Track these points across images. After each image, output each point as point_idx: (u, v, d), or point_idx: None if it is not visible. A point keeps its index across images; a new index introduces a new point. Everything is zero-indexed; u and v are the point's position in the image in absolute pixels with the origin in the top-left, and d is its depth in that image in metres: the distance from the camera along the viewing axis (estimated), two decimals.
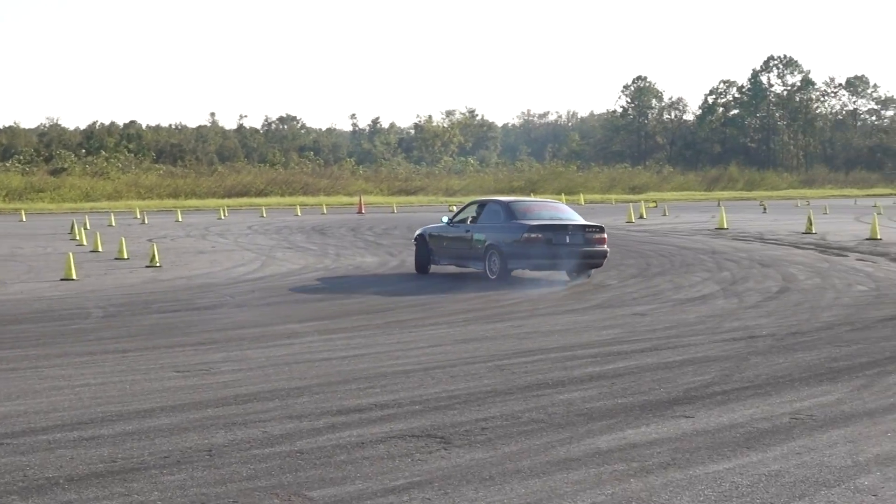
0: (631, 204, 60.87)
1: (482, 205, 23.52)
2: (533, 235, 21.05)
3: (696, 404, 9.66)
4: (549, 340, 13.73)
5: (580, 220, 22.42)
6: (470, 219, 23.18)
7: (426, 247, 23.86)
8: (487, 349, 13.01)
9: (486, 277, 21.76)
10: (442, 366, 11.74)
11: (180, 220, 50.63)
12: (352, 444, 8.13)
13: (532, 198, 42.17)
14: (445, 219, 24.14)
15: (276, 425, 8.75)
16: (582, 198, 76.34)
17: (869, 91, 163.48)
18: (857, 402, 9.74)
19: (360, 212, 60.50)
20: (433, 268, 24.03)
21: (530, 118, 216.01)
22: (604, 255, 21.86)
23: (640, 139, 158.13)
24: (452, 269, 24.05)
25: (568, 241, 21.21)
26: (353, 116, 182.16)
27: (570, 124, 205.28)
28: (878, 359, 12.11)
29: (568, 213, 23.15)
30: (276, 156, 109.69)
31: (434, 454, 7.84)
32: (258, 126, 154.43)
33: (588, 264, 21.83)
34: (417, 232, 24.88)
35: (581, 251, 21.22)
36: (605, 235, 22.08)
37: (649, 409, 9.46)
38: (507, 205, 22.85)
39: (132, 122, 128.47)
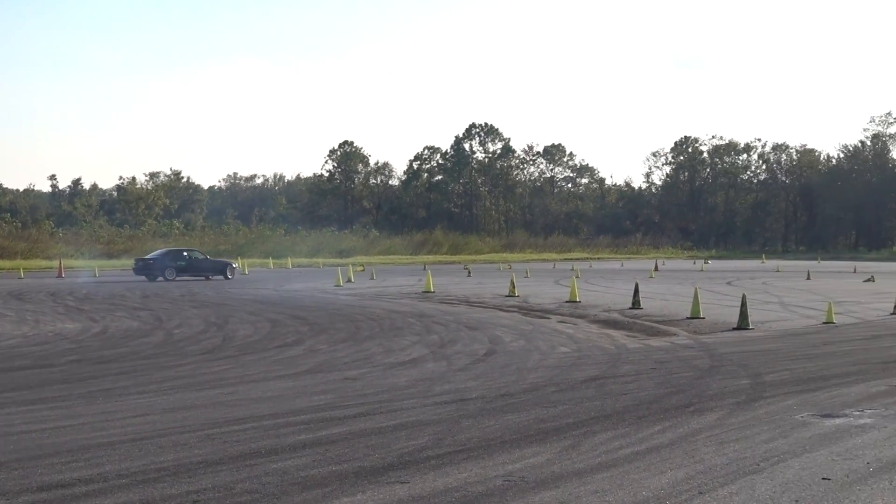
0: (339, 267, 61.11)
1: None
2: None
3: (410, 469, 9.61)
4: (260, 407, 13.44)
5: None
6: None
7: None
8: (197, 418, 12.60)
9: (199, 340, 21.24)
10: (150, 436, 11.28)
11: None
12: None
13: None
14: None
15: None
16: (290, 261, 76.10)
17: (565, 159, 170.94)
18: (567, 463, 9.92)
19: (59, 276, 58.25)
20: (140, 337, 23.45)
21: (237, 181, 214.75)
22: None
23: (346, 203, 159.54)
24: (158, 338, 23.49)
25: None
26: (52, 177, 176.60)
27: (276, 188, 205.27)
28: (584, 419, 12.42)
29: None
30: None
31: None
32: None
33: None
34: None
35: None
36: None
37: (364, 475, 9.34)
38: None
39: None
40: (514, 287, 39.25)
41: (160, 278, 53.88)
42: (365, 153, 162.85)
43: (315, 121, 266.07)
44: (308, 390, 15.19)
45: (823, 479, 9.27)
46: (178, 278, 54.91)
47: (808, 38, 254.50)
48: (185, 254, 57.35)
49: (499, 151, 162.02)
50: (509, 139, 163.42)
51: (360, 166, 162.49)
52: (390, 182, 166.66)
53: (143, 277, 54.53)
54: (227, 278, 56.22)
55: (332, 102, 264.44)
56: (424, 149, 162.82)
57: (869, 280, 54.83)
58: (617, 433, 11.49)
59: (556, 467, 9.73)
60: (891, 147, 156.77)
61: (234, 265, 59.83)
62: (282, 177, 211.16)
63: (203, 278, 56.16)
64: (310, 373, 17.45)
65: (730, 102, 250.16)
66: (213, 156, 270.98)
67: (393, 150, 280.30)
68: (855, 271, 70.41)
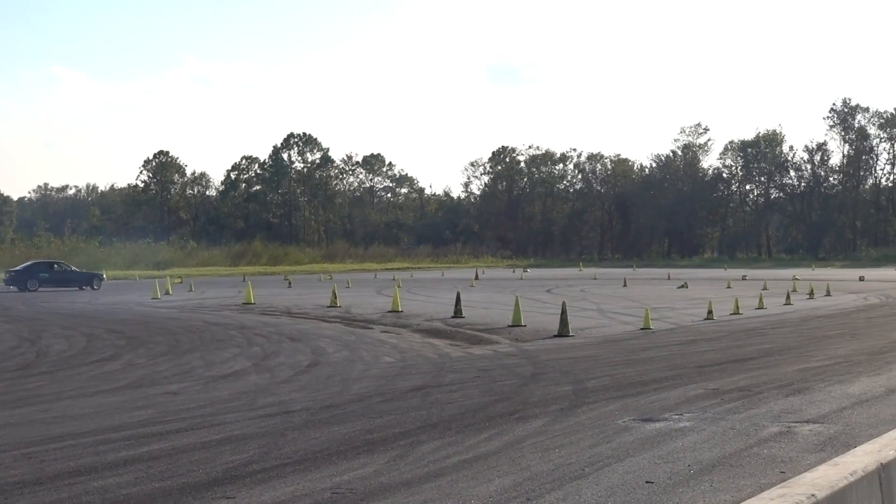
0: (156, 279, 59.94)
1: None
2: None
3: (236, 484, 9.42)
4: (79, 424, 13.01)
5: None
6: None
7: None
8: (12, 436, 12.12)
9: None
10: None
11: None
12: None
13: None
14: None
15: None
16: (105, 273, 74.24)
17: (384, 169, 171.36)
18: (395, 473, 9.87)
19: None
20: None
21: (48, 192, 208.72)
22: None
23: (163, 214, 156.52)
24: None
25: None
26: None
27: (90, 199, 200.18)
28: (410, 429, 12.40)
29: None
30: None
31: None
32: None
33: None
34: None
35: None
36: None
37: (189, 491, 9.11)
38: None
39: None
40: (335, 297, 39.08)
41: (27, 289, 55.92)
42: (181, 163, 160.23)
43: (130, 131, 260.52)
44: (128, 406, 14.77)
45: (647, 482, 9.44)
46: (43, 289, 56.44)
47: (620, 50, 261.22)
48: (55, 266, 60.24)
49: (318, 161, 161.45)
50: (328, 149, 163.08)
51: (176, 176, 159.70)
52: (208, 192, 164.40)
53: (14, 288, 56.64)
54: (94, 289, 57.95)
55: (147, 112, 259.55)
56: (242, 158, 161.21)
57: (682, 286, 56.46)
58: (444, 442, 11.49)
59: (383, 478, 9.67)
60: (701, 157, 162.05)
61: (101, 276, 61.66)
62: (95, 188, 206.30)
63: (76, 288, 57.76)
64: (129, 388, 16.99)
65: (546, 113, 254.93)
66: (23, 167, 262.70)
67: (210, 160, 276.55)
68: (669, 278, 72.42)
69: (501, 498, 8.88)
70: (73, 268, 62.61)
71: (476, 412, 13.64)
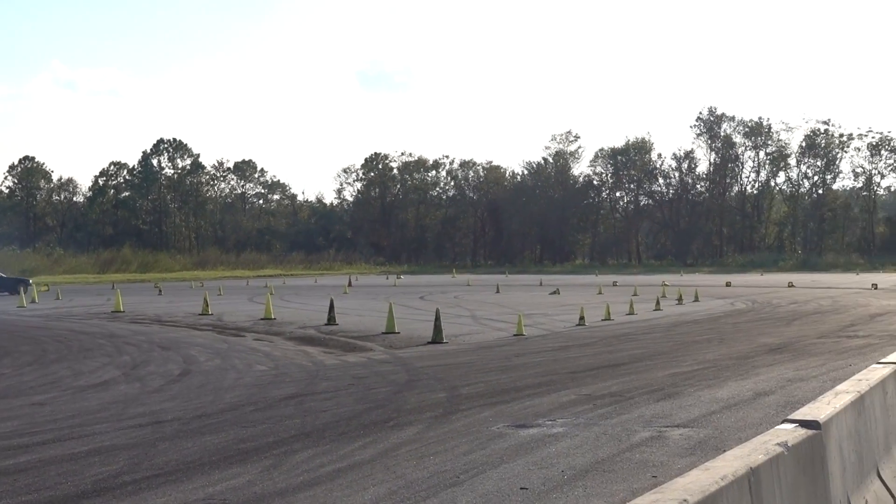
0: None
1: None
2: None
3: (106, 496, 9.23)
4: None
5: None
6: None
7: None
8: None
9: None
10: None
11: None
12: None
13: None
14: None
15: None
16: None
17: (256, 175, 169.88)
18: (269, 483, 9.77)
19: None
20: None
21: None
22: None
23: (28, 221, 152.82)
24: None
25: None
26: None
27: None
28: (284, 437, 12.29)
29: None
30: None
31: None
32: None
33: None
34: None
35: None
36: None
37: None
38: None
39: None
40: (207, 305, 38.61)
41: None
42: (48, 169, 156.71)
43: None
44: None
45: (521, 488, 9.50)
46: None
47: (492, 57, 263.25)
48: None
49: (188, 167, 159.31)
50: (199, 155, 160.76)
51: (42, 182, 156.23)
52: (75, 199, 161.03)
53: None
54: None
55: (11, 118, 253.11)
56: (111, 164, 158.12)
57: (555, 293, 57.09)
58: (318, 451, 11.42)
59: (257, 488, 9.56)
60: (571, 164, 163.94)
61: (29, 282, 61.17)
62: None
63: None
64: None
65: (418, 120, 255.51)
66: None
67: (78, 166, 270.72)
68: (541, 284, 73.12)
69: None
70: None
71: (350, 420, 13.59)
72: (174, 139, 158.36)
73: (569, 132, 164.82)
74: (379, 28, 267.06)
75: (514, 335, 28.23)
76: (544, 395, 15.88)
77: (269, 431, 12.78)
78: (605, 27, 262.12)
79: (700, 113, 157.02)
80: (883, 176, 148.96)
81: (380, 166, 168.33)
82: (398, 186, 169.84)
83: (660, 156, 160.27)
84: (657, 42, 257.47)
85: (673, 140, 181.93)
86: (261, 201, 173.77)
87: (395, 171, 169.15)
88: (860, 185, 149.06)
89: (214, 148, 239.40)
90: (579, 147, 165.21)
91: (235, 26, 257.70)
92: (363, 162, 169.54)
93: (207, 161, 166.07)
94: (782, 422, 6.78)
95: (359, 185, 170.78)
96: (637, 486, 9.55)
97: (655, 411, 14.10)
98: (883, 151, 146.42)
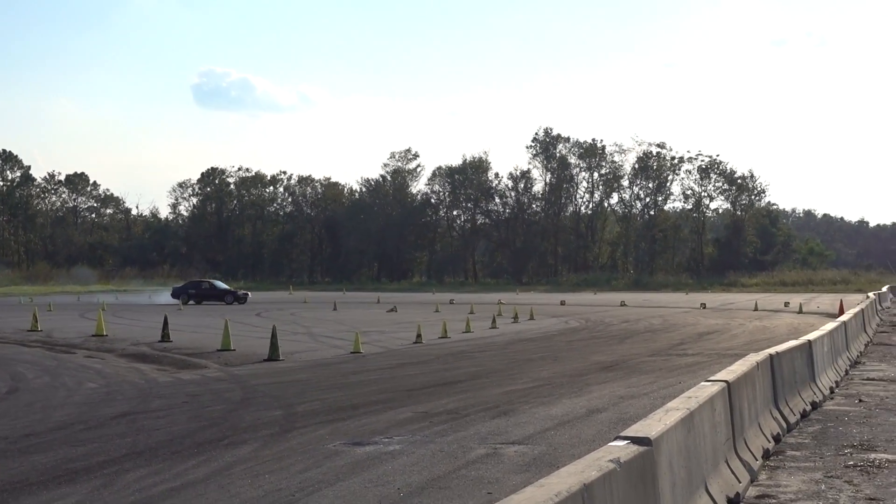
0: None
1: None
2: None
3: None
4: None
5: None
6: None
7: None
8: None
9: None
10: None
11: None
12: None
13: None
14: None
15: None
16: None
17: (89, 189, 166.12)
18: (98, 503, 9.54)
19: None
20: None
21: None
22: None
23: None
24: None
25: None
26: None
27: None
28: (116, 457, 12.03)
29: None
30: None
31: None
32: None
33: None
34: None
35: None
36: None
37: None
38: None
39: None
40: (36, 321, 37.56)
41: None
42: None
43: None
44: None
45: None
46: None
47: (329, 73, 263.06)
48: None
49: (18, 179, 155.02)
50: (29, 167, 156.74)
51: None
52: None
53: None
54: None
55: None
56: None
57: (392, 310, 57.15)
58: (150, 470, 11.21)
59: None
60: (410, 182, 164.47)
61: None
62: None
63: None
64: None
65: (256, 135, 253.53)
66: None
67: None
68: (378, 302, 73.12)
69: None
70: None
71: (184, 438, 13.37)
72: (3, 150, 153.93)
73: (408, 150, 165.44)
74: (214, 42, 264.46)
75: (352, 353, 28.16)
76: (381, 413, 15.88)
77: (100, 450, 12.49)
78: (442, 45, 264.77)
79: (536, 133, 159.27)
80: (712, 198, 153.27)
81: (216, 181, 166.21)
82: (235, 202, 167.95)
83: (497, 175, 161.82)
84: (495, 62, 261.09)
85: (510, 160, 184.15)
86: (93, 215, 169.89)
87: (233, 186, 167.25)
88: (690, 206, 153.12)
89: (46, 160, 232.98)
90: (418, 165, 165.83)
91: (70, 37, 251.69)
92: (199, 177, 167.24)
93: (38, 173, 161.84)
94: (615, 438, 6.92)
95: (195, 199, 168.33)
96: (472, 503, 9.62)
97: (491, 428, 14.22)
98: (712, 174, 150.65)
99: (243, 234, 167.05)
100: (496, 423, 14.70)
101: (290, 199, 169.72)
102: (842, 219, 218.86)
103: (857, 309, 31.00)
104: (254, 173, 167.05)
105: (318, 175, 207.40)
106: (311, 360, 26.22)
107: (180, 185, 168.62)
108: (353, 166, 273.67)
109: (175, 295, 71.74)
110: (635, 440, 6.83)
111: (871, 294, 50.30)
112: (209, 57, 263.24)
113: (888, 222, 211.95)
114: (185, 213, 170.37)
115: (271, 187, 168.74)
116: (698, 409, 8.61)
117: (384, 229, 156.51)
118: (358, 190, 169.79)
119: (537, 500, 5.06)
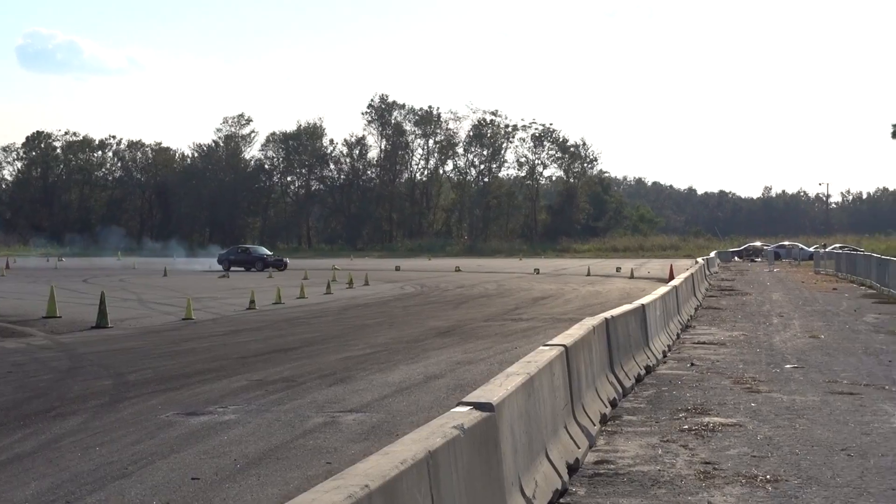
0: None
1: None
2: None
3: None
4: None
5: None
6: None
7: None
8: None
9: None
10: None
11: None
12: None
13: None
14: None
15: None
16: None
17: None
18: None
19: None
20: None
21: None
22: None
23: None
24: None
25: None
26: None
27: None
28: None
29: None
30: None
31: None
32: None
33: None
34: None
35: None
36: None
37: None
38: None
39: None
40: None
41: None
42: None
43: None
44: None
45: (193, 478, 9.24)
46: None
47: (161, 36, 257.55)
48: None
49: None
50: None
51: None
52: None
53: None
54: None
55: None
56: None
57: (224, 276, 56.42)
58: None
59: None
60: (243, 148, 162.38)
61: None
62: None
63: None
64: None
65: (84, 99, 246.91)
66: None
67: None
68: (210, 268, 72.01)
69: (39, 501, 8.41)
70: None
71: (9, 411, 12.88)
72: None
73: (241, 115, 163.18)
74: (39, 2, 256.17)
75: (183, 319, 27.64)
76: (215, 382, 15.57)
77: None
78: (276, 8, 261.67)
79: (372, 100, 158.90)
80: (545, 166, 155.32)
81: (42, 145, 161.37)
82: (62, 167, 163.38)
83: (332, 142, 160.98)
84: (330, 28, 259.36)
85: (345, 126, 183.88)
86: None
87: (59, 150, 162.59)
88: (524, 174, 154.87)
89: None
90: (252, 131, 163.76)
91: None
92: (24, 141, 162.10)
93: None
94: (457, 404, 6.85)
95: (19, 164, 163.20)
96: (312, 472, 9.46)
97: (328, 396, 14.06)
98: (545, 143, 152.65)
99: (70, 199, 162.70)
100: (333, 391, 14.55)
101: (119, 165, 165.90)
102: (671, 187, 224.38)
103: (687, 274, 31.76)
104: (81, 137, 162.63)
105: (148, 140, 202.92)
106: (142, 328, 25.64)
107: (4, 149, 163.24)
108: (185, 131, 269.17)
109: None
110: (478, 406, 6.77)
111: (699, 259, 51.57)
112: (34, 18, 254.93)
113: (715, 190, 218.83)
114: (10, 178, 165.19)
115: (99, 152, 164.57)
116: (538, 373, 8.61)
117: (217, 195, 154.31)
118: (190, 155, 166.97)
119: (382, 469, 4.94)
